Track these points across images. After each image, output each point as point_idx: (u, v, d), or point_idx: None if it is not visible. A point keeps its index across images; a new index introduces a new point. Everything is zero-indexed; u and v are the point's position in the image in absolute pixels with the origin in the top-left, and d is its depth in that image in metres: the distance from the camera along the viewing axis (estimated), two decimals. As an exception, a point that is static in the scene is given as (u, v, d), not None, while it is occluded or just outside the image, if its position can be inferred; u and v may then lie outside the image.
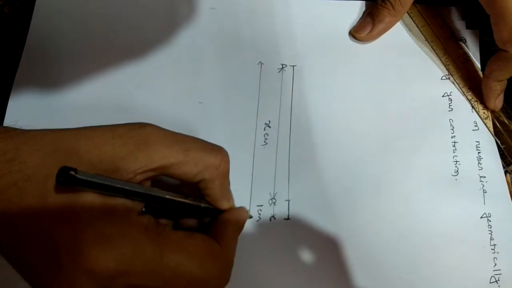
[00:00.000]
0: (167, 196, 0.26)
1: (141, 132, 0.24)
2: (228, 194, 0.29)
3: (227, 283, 0.26)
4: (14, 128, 0.24)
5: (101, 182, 0.22)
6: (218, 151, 0.27)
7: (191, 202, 0.27)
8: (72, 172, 0.21)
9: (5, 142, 0.22)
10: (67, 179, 0.21)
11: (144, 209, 0.25)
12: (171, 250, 0.23)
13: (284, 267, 0.31)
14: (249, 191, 0.33)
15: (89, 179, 0.21)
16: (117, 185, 0.23)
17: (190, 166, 0.25)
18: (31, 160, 0.22)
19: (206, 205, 0.28)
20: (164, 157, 0.24)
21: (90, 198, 0.22)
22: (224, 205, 0.28)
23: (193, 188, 0.27)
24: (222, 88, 0.36)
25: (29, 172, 0.22)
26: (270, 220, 0.32)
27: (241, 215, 0.29)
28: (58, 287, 0.22)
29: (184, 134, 0.26)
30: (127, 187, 0.23)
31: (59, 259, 0.21)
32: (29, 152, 0.22)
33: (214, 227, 0.28)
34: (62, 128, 0.24)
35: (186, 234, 0.25)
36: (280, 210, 0.33)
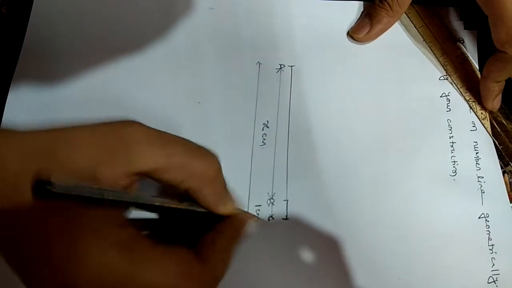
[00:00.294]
0: (156, 203, 0.24)
1: (122, 133, 0.23)
2: (223, 199, 0.27)
3: None
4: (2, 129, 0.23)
5: (79, 194, 0.21)
6: (205, 155, 0.25)
7: (185, 207, 0.25)
8: (48, 187, 0.20)
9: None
10: (43, 193, 0.20)
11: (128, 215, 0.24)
12: (145, 270, 0.22)
13: (282, 267, 0.31)
14: (247, 191, 0.33)
15: (65, 192, 0.21)
16: (96, 196, 0.22)
17: (174, 172, 0.24)
18: (10, 163, 0.21)
19: (202, 210, 0.26)
20: (145, 163, 0.23)
21: (67, 209, 0.21)
22: (220, 210, 0.27)
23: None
24: (220, 88, 0.36)
25: (6, 174, 0.21)
26: (269, 220, 0.32)
27: (240, 222, 0.28)
28: None
29: (170, 135, 0.25)
30: (108, 197, 0.22)
31: (38, 275, 0.21)
32: (9, 153, 0.22)
33: (207, 236, 0.26)
34: (44, 129, 0.23)
35: (165, 250, 0.23)
36: (279, 210, 0.33)
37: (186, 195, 0.26)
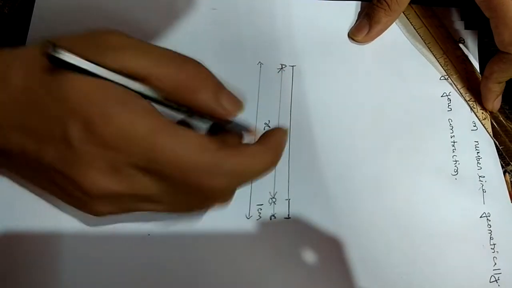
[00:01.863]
0: (159, 99, 0.24)
1: (105, 38, 0.24)
2: (224, 100, 0.26)
3: (224, 187, 0.25)
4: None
5: (89, 69, 0.22)
6: (191, 62, 0.25)
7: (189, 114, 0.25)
8: (60, 55, 0.21)
9: None
10: (55, 57, 0.21)
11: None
12: (166, 135, 0.23)
13: (284, 266, 0.31)
14: (249, 190, 0.33)
15: (77, 64, 0.21)
16: (105, 75, 0.22)
17: (163, 81, 0.24)
18: (17, 73, 0.23)
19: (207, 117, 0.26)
20: (131, 68, 0.23)
21: (86, 82, 0.22)
22: (223, 113, 0.26)
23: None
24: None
25: (21, 72, 0.23)
26: (270, 219, 0.32)
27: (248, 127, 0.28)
28: (76, 168, 0.23)
29: (154, 45, 0.25)
30: (116, 79, 0.22)
31: (70, 142, 0.22)
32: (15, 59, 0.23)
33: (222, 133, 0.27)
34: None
35: (183, 127, 0.24)
36: (280, 209, 0.33)
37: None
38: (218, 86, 0.26)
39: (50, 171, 0.24)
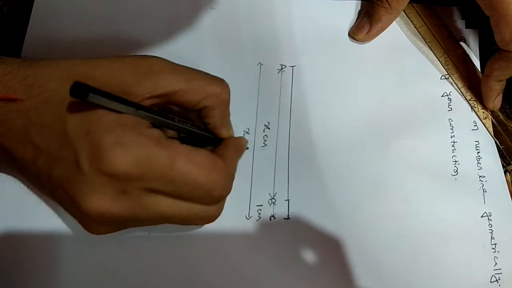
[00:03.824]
0: (176, 120, 0.27)
1: (147, 62, 0.26)
2: (228, 123, 0.30)
3: (228, 193, 0.28)
4: (30, 58, 0.27)
5: (113, 95, 0.23)
6: (219, 81, 0.28)
7: (195, 130, 0.28)
8: (85, 84, 0.22)
9: (24, 69, 0.26)
10: (80, 91, 0.22)
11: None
12: (181, 159, 0.25)
13: (283, 267, 0.31)
14: (249, 191, 0.33)
15: (100, 91, 0.22)
16: (127, 100, 0.24)
17: (193, 94, 0.27)
18: (49, 85, 0.25)
19: (208, 134, 0.30)
20: (168, 84, 0.26)
21: (103, 113, 0.24)
22: (224, 133, 0.30)
23: (195, 119, 0.30)
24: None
25: (48, 95, 0.25)
26: (270, 219, 0.32)
27: (241, 141, 0.31)
28: (79, 191, 0.24)
29: (187, 66, 0.28)
30: (136, 104, 0.25)
31: (80, 166, 0.23)
32: (47, 77, 0.25)
33: (216, 149, 0.29)
34: (75, 57, 0.27)
35: (193, 148, 0.26)
36: (280, 209, 0.33)
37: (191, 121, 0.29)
38: (229, 112, 0.30)
39: (56, 186, 0.25)
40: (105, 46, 0.36)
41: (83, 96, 0.22)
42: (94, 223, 0.25)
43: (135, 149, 0.24)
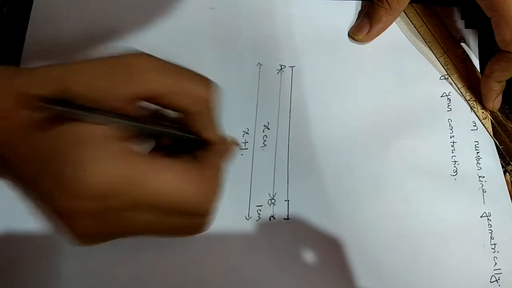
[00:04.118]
0: (159, 125, 0.26)
1: (133, 61, 0.24)
2: (215, 126, 0.28)
3: (215, 203, 0.26)
4: (23, 67, 0.25)
5: (80, 104, 0.22)
6: (207, 81, 0.27)
7: (181, 133, 0.27)
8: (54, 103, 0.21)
9: (16, 79, 0.24)
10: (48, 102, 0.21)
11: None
12: (158, 176, 0.23)
13: (283, 267, 0.31)
14: (249, 191, 0.33)
15: (68, 109, 0.21)
16: (101, 110, 0.22)
17: (181, 96, 0.25)
18: (18, 87, 0.23)
19: (194, 137, 0.27)
20: (156, 87, 0.24)
21: (76, 126, 0.22)
22: (210, 135, 0.27)
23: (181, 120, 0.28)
24: (220, 89, 0.35)
25: (9, 96, 0.23)
26: (270, 220, 0.32)
27: (229, 144, 0.29)
28: (60, 216, 0.22)
29: (177, 65, 0.26)
30: (111, 112, 0.23)
31: (51, 194, 0.22)
32: (18, 81, 0.24)
33: (200, 155, 0.27)
34: (64, 64, 0.24)
35: (172, 160, 0.24)
36: (280, 210, 0.33)
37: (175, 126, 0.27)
38: (216, 114, 0.28)
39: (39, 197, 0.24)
40: (105, 44, 0.36)
41: (40, 108, 0.20)
42: (79, 241, 0.24)
43: (98, 169, 0.22)
